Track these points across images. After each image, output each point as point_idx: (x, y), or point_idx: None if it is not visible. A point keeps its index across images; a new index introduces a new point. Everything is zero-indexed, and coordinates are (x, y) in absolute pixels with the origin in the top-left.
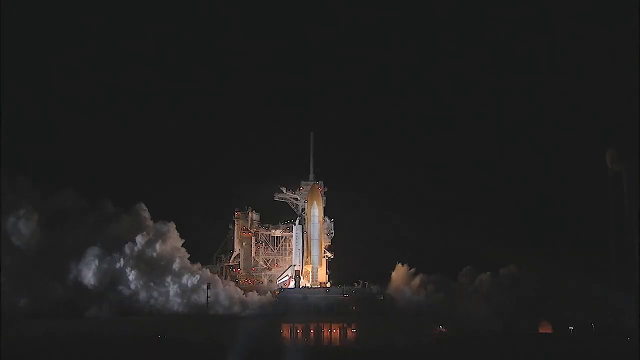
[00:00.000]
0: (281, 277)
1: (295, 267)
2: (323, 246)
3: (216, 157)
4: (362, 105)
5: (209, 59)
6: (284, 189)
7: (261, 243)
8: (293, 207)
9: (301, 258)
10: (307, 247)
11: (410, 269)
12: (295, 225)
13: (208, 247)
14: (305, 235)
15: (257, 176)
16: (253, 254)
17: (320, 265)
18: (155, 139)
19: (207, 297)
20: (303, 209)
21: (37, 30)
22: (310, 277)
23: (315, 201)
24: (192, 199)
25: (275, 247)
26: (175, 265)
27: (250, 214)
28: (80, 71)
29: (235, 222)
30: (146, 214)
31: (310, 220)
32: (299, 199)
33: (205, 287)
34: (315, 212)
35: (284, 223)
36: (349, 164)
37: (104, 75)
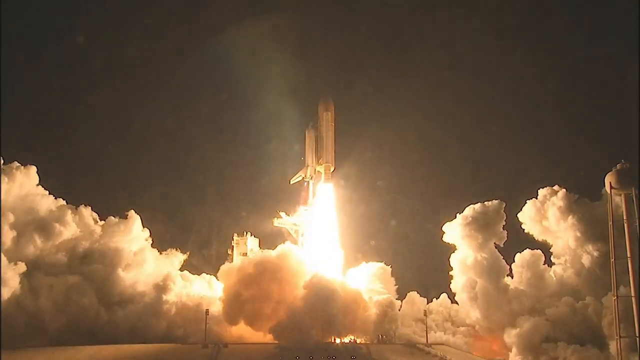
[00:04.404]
0: (295, 178)
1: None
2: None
3: (215, 180)
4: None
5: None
6: (283, 214)
7: None
8: (292, 233)
9: (314, 159)
10: (320, 149)
11: None
12: (307, 130)
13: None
14: (316, 139)
15: (257, 201)
16: None
17: (334, 165)
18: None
19: (206, 323)
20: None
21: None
22: (323, 175)
23: (327, 104)
24: (191, 224)
25: None
26: None
27: (249, 239)
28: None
29: (235, 247)
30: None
31: (324, 124)
32: (298, 224)
33: None
34: (329, 116)
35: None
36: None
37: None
